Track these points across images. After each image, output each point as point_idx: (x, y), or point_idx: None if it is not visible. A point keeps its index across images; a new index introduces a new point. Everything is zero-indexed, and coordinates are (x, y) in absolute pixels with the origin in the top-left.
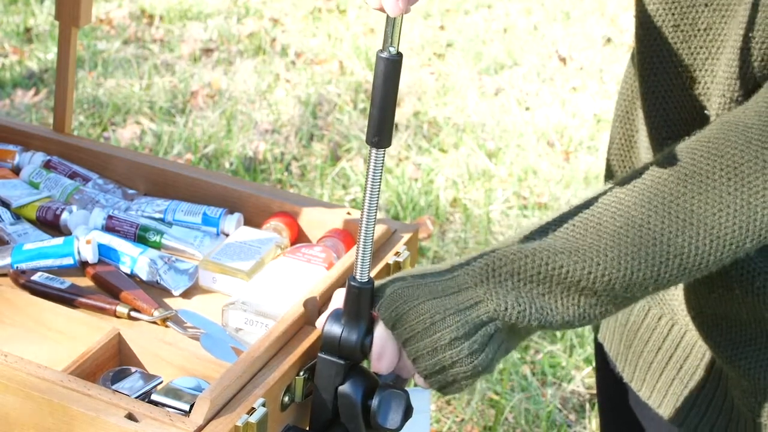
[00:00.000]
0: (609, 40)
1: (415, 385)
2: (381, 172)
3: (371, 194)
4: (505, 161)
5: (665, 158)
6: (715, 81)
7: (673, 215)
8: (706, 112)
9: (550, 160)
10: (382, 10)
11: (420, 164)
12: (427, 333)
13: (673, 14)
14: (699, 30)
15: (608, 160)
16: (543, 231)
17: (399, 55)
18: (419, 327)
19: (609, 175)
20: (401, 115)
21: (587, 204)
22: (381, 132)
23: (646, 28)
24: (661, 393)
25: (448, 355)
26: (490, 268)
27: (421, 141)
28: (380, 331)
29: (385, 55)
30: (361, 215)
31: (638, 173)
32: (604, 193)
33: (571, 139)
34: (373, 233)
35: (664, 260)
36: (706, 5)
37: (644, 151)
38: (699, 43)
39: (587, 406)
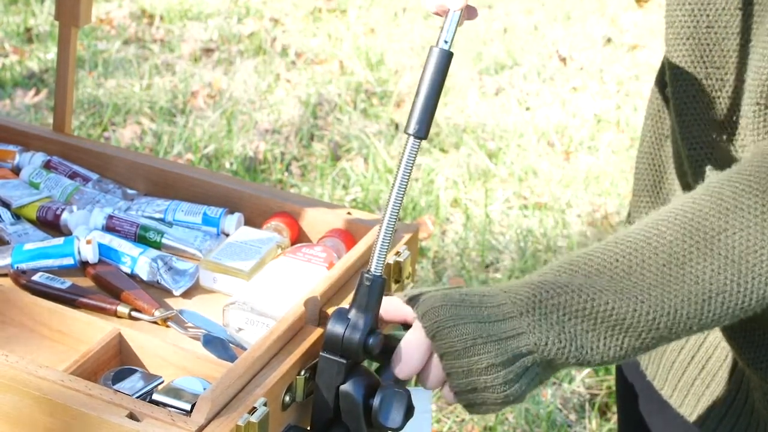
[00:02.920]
0: (609, 40)
1: (416, 385)
2: (413, 163)
3: (401, 183)
4: (506, 161)
5: (705, 190)
6: (745, 86)
7: (714, 252)
8: (735, 116)
9: (551, 160)
10: (442, 10)
11: (420, 164)
12: (466, 353)
13: (707, 15)
14: (731, 33)
15: (637, 159)
16: (587, 263)
17: (451, 51)
18: (459, 345)
19: (637, 174)
20: (402, 115)
21: (629, 237)
22: (422, 122)
23: (679, 27)
24: (682, 392)
25: (483, 379)
26: (537, 299)
27: None
28: (415, 337)
29: (439, 47)
30: (386, 205)
31: (679, 205)
32: (646, 225)
33: (572, 139)
34: (395, 224)
35: (707, 298)
36: (739, 9)
37: (674, 152)
38: (730, 46)
39: (587, 406)
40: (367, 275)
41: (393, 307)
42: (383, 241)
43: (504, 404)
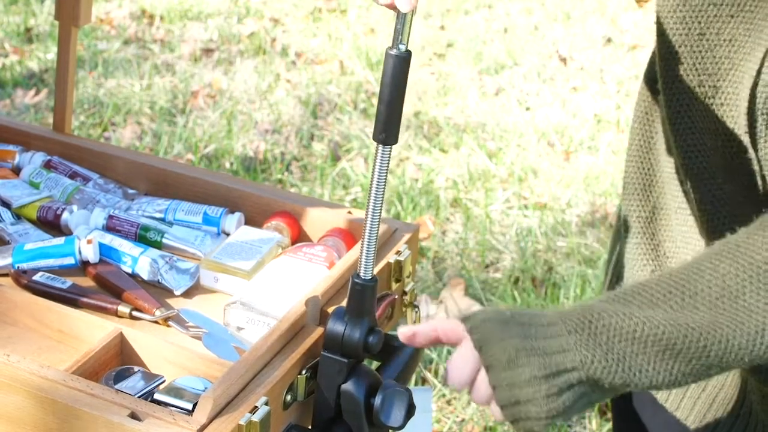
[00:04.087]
0: (609, 40)
1: (416, 385)
2: (387, 169)
3: (377, 191)
4: (506, 161)
5: (759, 226)
6: (740, 96)
7: (767, 286)
8: (729, 123)
9: (551, 160)
10: (391, 6)
11: (420, 164)
12: (510, 366)
13: (699, 23)
14: (723, 40)
15: (627, 162)
16: (640, 294)
17: (408, 52)
18: (503, 358)
19: (627, 176)
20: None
21: (683, 270)
22: (388, 129)
23: (671, 35)
24: (678, 396)
25: (525, 392)
26: (587, 320)
27: (422, 141)
28: (464, 350)
29: (394, 52)
30: (366, 212)
31: (732, 239)
32: (700, 258)
33: (572, 139)
34: (378, 230)
35: (760, 330)
36: (731, 17)
37: (664, 156)
38: (723, 53)
39: None
40: (356, 280)
41: (451, 330)
42: (368, 246)
43: (548, 420)
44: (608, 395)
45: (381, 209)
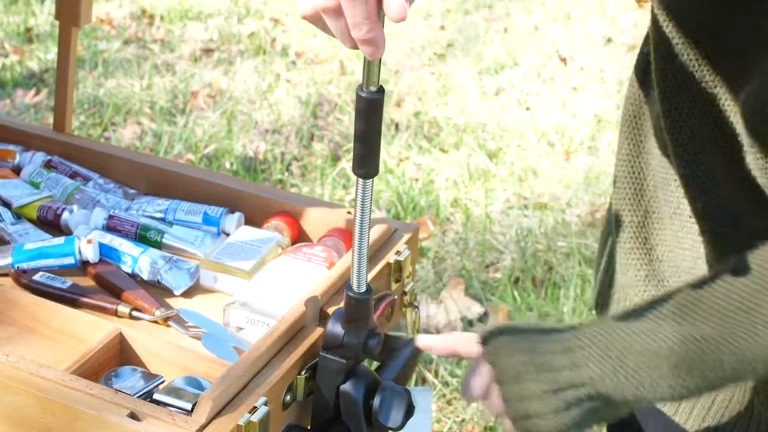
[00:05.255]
0: (609, 40)
1: (416, 385)
2: (370, 202)
3: (361, 224)
4: (506, 161)
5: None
6: (738, 101)
7: None
8: (729, 131)
9: (551, 160)
10: (355, 47)
11: (420, 164)
12: (518, 380)
13: (696, 30)
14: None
15: (616, 165)
16: (649, 310)
17: (380, 91)
18: (512, 372)
19: (617, 180)
20: (402, 115)
21: (694, 287)
22: (368, 165)
23: (667, 44)
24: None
25: (534, 406)
26: (597, 335)
27: (422, 141)
28: (479, 363)
29: (365, 94)
30: (353, 235)
31: (746, 260)
32: (711, 277)
33: (572, 139)
34: (367, 252)
35: None
36: (731, 24)
37: (657, 161)
38: (722, 60)
39: None
40: (350, 294)
41: (467, 342)
42: (360, 263)
43: None
44: (621, 410)
45: (368, 241)
